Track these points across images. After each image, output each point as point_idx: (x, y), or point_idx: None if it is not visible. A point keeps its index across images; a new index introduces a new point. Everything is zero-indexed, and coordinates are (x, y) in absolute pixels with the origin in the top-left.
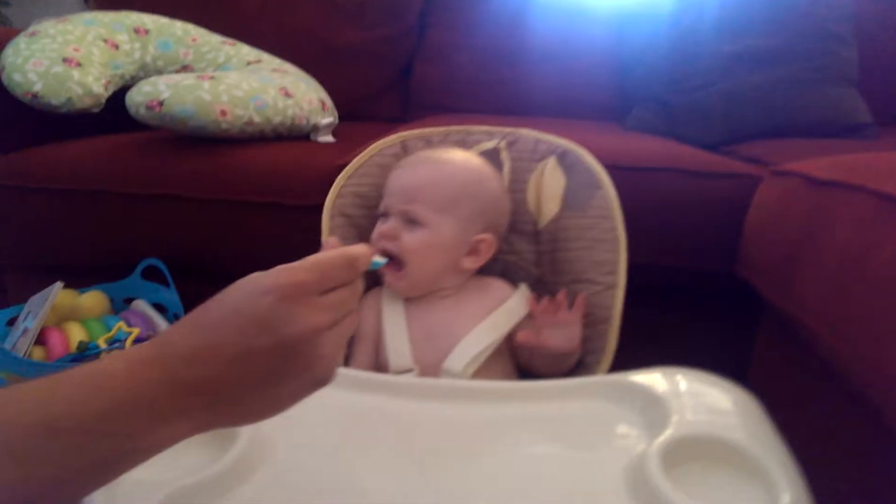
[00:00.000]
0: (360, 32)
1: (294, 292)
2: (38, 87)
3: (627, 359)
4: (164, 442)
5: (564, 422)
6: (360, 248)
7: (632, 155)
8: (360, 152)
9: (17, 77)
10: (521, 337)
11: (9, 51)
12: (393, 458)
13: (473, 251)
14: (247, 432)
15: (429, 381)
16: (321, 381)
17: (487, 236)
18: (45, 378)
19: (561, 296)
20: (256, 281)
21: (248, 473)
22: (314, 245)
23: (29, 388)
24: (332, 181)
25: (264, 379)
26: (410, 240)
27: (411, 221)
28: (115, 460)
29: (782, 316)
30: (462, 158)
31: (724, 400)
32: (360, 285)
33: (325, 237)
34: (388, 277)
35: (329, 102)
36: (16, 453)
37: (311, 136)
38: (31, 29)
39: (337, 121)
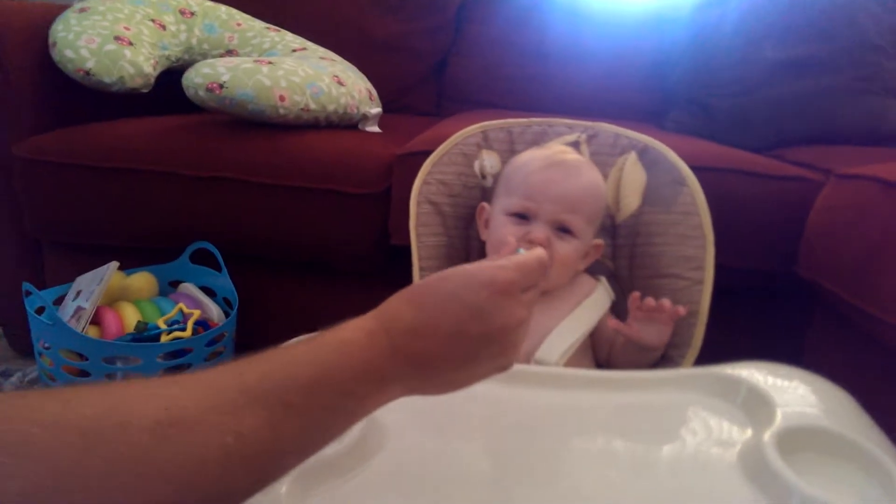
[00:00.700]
0: (399, 24)
1: (507, 288)
2: (90, 65)
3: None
4: (382, 402)
5: (665, 411)
6: (542, 254)
7: (688, 154)
8: (420, 143)
9: (69, 53)
10: (614, 323)
11: (59, 26)
12: (490, 443)
13: (587, 254)
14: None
15: (528, 368)
16: (507, 366)
17: (600, 241)
18: (297, 345)
19: (666, 302)
20: (473, 274)
21: (366, 457)
22: (372, 234)
23: (293, 351)
24: (392, 170)
25: (468, 358)
26: (563, 249)
27: (564, 230)
28: (351, 417)
29: (852, 314)
30: (587, 163)
31: (821, 393)
32: (542, 284)
33: (412, 224)
34: None
35: (374, 93)
36: (295, 407)
37: (360, 126)
38: (79, 5)
39: (382, 111)
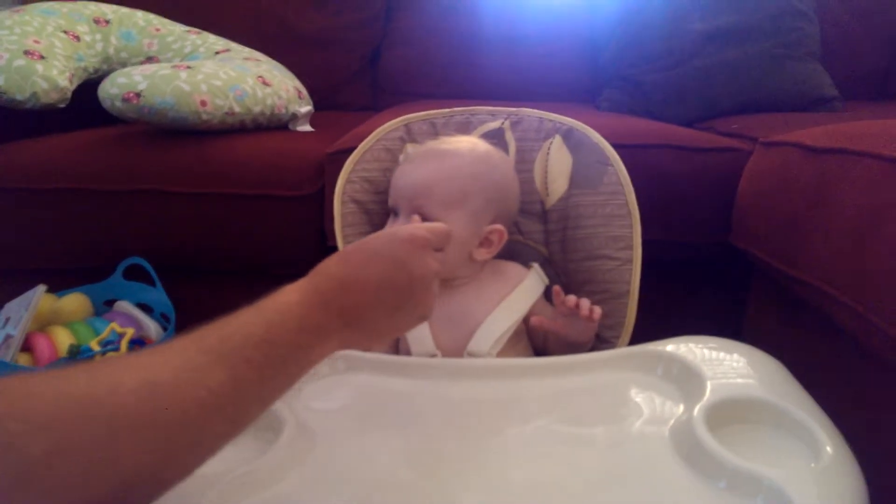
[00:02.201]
0: (327, 18)
1: (423, 243)
2: (0, 82)
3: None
4: (324, 354)
5: (601, 393)
6: (445, 226)
7: (617, 132)
8: (350, 139)
9: None
10: (535, 321)
11: None
12: (428, 439)
13: (485, 242)
14: (289, 424)
15: (458, 361)
16: (426, 315)
17: (498, 227)
18: (245, 311)
19: (584, 302)
20: (394, 232)
21: (294, 463)
22: (308, 235)
23: (243, 316)
24: (324, 170)
25: (394, 306)
26: None
27: (422, 220)
28: (302, 366)
29: (781, 280)
30: (468, 149)
31: (752, 363)
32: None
33: (338, 224)
34: None
35: (304, 91)
36: (252, 361)
37: (290, 126)
38: None
39: (313, 109)
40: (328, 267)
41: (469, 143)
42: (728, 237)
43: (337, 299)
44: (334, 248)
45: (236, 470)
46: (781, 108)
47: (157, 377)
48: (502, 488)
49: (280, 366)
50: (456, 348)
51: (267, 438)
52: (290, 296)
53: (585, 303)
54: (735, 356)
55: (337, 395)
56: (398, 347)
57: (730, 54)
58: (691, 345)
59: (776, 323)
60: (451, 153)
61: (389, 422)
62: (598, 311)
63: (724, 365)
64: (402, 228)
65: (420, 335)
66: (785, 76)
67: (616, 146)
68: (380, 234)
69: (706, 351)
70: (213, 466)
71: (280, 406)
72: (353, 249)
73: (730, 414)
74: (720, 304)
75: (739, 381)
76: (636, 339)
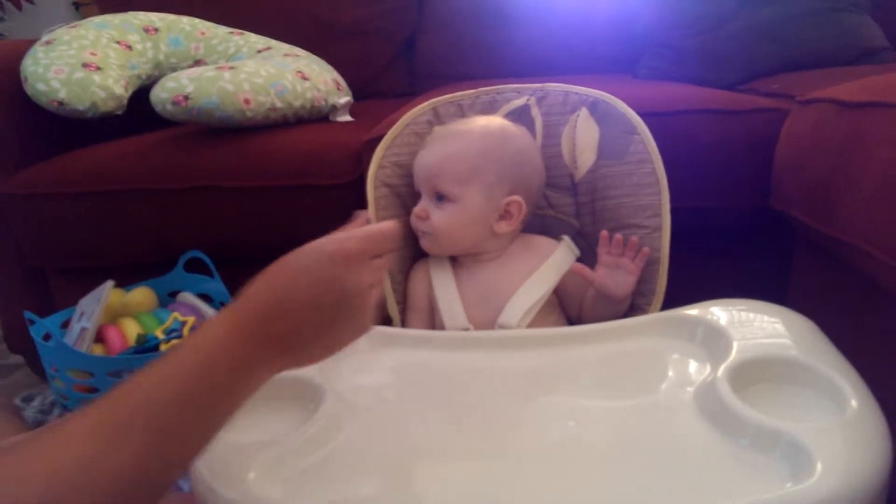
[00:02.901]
0: (361, 9)
1: (353, 256)
2: (62, 95)
3: (669, 302)
4: (256, 386)
5: (629, 358)
6: (393, 224)
7: (653, 101)
8: (385, 126)
9: (41, 86)
10: (576, 267)
11: (28, 61)
12: (464, 408)
13: (505, 215)
14: (328, 395)
15: (490, 333)
16: (364, 328)
17: (516, 198)
18: (165, 359)
19: (630, 240)
20: (320, 248)
21: (335, 432)
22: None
23: (160, 370)
24: (361, 158)
25: (326, 326)
26: (439, 217)
27: (440, 198)
28: (231, 406)
29: (821, 241)
30: (481, 125)
31: (781, 323)
32: (392, 254)
33: (371, 208)
34: (422, 242)
35: (342, 82)
36: (174, 420)
37: (330, 117)
38: (45, 38)
39: (352, 100)
40: (254, 293)
41: (483, 122)
42: (768, 201)
43: (264, 328)
44: None
45: (278, 439)
46: (829, 64)
47: (61, 469)
48: (536, 452)
49: (207, 413)
50: (487, 322)
51: (308, 409)
52: (215, 330)
53: (634, 238)
54: (764, 317)
55: (374, 369)
56: (433, 326)
57: (768, 12)
58: (720, 308)
59: (821, 287)
60: (462, 133)
61: (426, 393)
62: (646, 249)
63: (753, 326)
64: (330, 240)
65: (453, 311)
66: (829, 30)
67: (649, 114)
68: (305, 248)
69: (735, 313)
70: (256, 435)
71: (319, 378)
72: (277, 269)
73: (756, 373)
74: (762, 270)
75: (766, 341)
76: (674, 307)
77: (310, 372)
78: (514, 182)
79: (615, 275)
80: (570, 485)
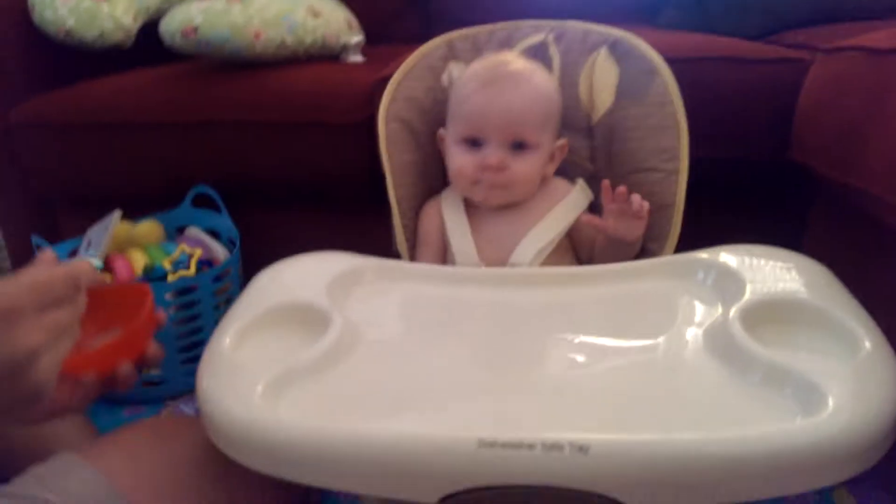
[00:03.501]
0: None
1: (10, 316)
2: (70, 23)
3: (681, 251)
4: None
5: (640, 298)
6: (82, 265)
7: (674, 46)
8: (398, 66)
9: (48, 14)
10: (586, 218)
11: None
12: (471, 338)
13: (552, 157)
14: (336, 320)
15: (500, 269)
16: (34, 399)
17: (563, 141)
18: None
19: (635, 196)
20: None
21: (343, 354)
22: (360, 162)
23: None
24: (372, 97)
25: None
26: (521, 166)
27: (518, 146)
28: None
29: (841, 193)
30: (532, 68)
31: (795, 268)
32: (81, 302)
33: (382, 144)
34: (489, 194)
35: (355, 22)
36: None
37: (342, 57)
38: None
39: (364, 40)
40: None
41: (526, 62)
42: (787, 153)
43: None
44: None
45: (285, 359)
46: (856, 18)
47: None
48: (543, 384)
49: None
50: (499, 261)
51: (313, 333)
52: None
53: (636, 196)
54: (778, 262)
55: (381, 300)
56: (444, 262)
57: None
58: (733, 252)
59: (838, 240)
60: (524, 75)
61: (433, 324)
62: (646, 204)
63: (766, 270)
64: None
65: (465, 249)
66: None
67: (668, 60)
68: None
69: (748, 257)
70: (263, 355)
71: (325, 304)
72: None
73: (768, 315)
74: (778, 223)
75: (779, 284)
76: None
77: (316, 298)
78: (557, 125)
79: (622, 221)
80: (577, 415)
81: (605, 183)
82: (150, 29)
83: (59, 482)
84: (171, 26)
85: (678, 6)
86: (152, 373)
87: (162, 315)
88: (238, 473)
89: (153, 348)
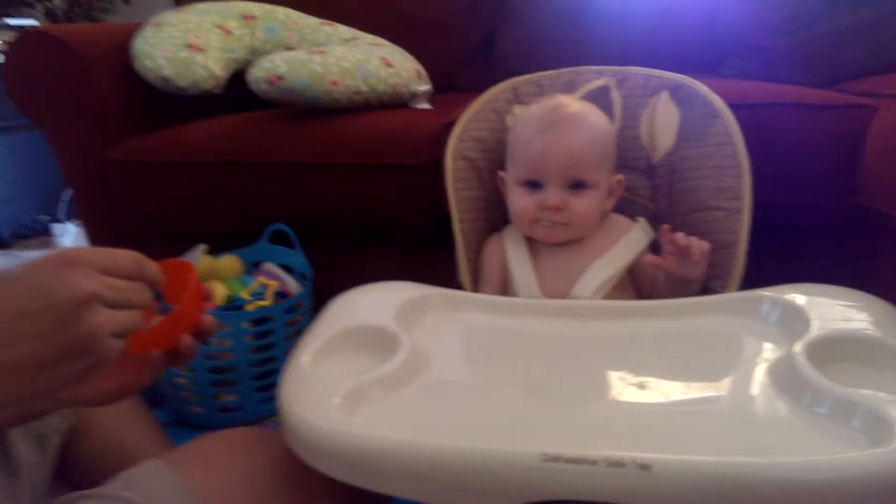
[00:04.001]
0: (443, 4)
1: (74, 260)
2: (167, 71)
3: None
4: None
5: (703, 333)
6: (152, 262)
7: (738, 93)
8: (463, 110)
9: (148, 63)
10: (649, 258)
11: (138, 40)
12: (532, 366)
13: (610, 193)
14: (404, 343)
15: (563, 301)
16: (88, 350)
17: (620, 176)
18: None
19: (693, 240)
20: (48, 255)
21: (411, 375)
22: (425, 202)
23: None
24: (438, 141)
25: (31, 337)
26: (581, 205)
27: (576, 185)
28: None
29: None
30: (587, 109)
31: (860, 305)
32: (145, 291)
33: (449, 179)
34: (550, 232)
35: (423, 71)
36: None
37: (410, 104)
38: (154, 20)
39: (432, 88)
40: None
41: (581, 104)
42: (854, 198)
43: None
44: (448, 214)
45: (359, 375)
46: None
47: None
48: (606, 408)
49: None
50: (560, 296)
51: (383, 356)
52: None
53: (694, 240)
54: (844, 300)
55: (446, 327)
56: (506, 296)
57: (863, 13)
58: (798, 290)
59: None
60: (581, 117)
61: (496, 349)
62: (705, 245)
63: (831, 307)
64: (54, 253)
65: (527, 282)
66: None
67: (733, 106)
68: (32, 261)
69: (813, 295)
70: (338, 372)
71: (395, 329)
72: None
73: (834, 351)
74: (843, 266)
75: (845, 321)
76: None
77: (386, 322)
78: (614, 162)
79: (684, 261)
80: (640, 436)
81: (665, 227)
82: (237, 78)
83: (143, 485)
84: (257, 75)
85: (741, 57)
86: (214, 345)
87: (207, 287)
88: (310, 485)
89: (207, 318)
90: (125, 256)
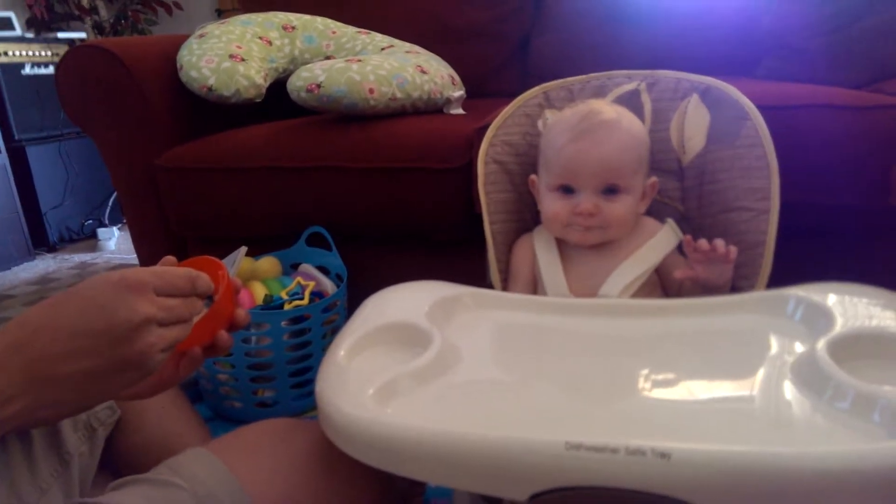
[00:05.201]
0: (477, 12)
1: (134, 285)
2: (211, 81)
3: None
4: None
5: (724, 331)
6: (203, 275)
7: (772, 95)
8: (496, 115)
9: (193, 73)
10: (679, 273)
11: (184, 51)
12: (562, 362)
13: (644, 196)
14: (437, 338)
15: (591, 300)
16: (140, 366)
17: (654, 179)
18: None
19: (718, 242)
20: (107, 274)
21: (443, 368)
22: (458, 204)
23: None
24: (472, 144)
25: (90, 355)
26: (615, 210)
27: (610, 190)
28: None
29: None
30: (620, 114)
31: (885, 303)
32: (196, 304)
33: (481, 182)
34: (584, 236)
35: (457, 78)
36: None
37: (444, 110)
38: (198, 32)
39: (465, 94)
40: (23, 314)
41: (615, 109)
42: (888, 199)
43: (21, 350)
44: (481, 216)
45: (392, 368)
46: None
47: None
48: (629, 400)
49: None
50: (589, 295)
51: (416, 351)
52: None
53: (719, 242)
54: (868, 298)
55: (477, 324)
56: (536, 293)
57: None
58: (823, 288)
59: None
60: (615, 124)
61: (525, 345)
62: (733, 249)
63: (856, 305)
64: (116, 271)
65: (556, 282)
66: None
67: (767, 108)
68: (93, 277)
69: (838, 293)
70: (372, 365)
71: (428, 325)
72: (62, 293)
73: (858, 348)
74: (874, 266)
75: (868, 319)
76: None
77: (418, 319)
78: (648, 163)
79: (710, 267)
80: (661, 426)
81: (687, 238)
82: (279, 86)
83: (187, 470)
84: (297, 83)
85: (778, 57)
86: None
87: (237, 280)
88: (345, 470)
89: (240, 313)
90: (179, 276)
